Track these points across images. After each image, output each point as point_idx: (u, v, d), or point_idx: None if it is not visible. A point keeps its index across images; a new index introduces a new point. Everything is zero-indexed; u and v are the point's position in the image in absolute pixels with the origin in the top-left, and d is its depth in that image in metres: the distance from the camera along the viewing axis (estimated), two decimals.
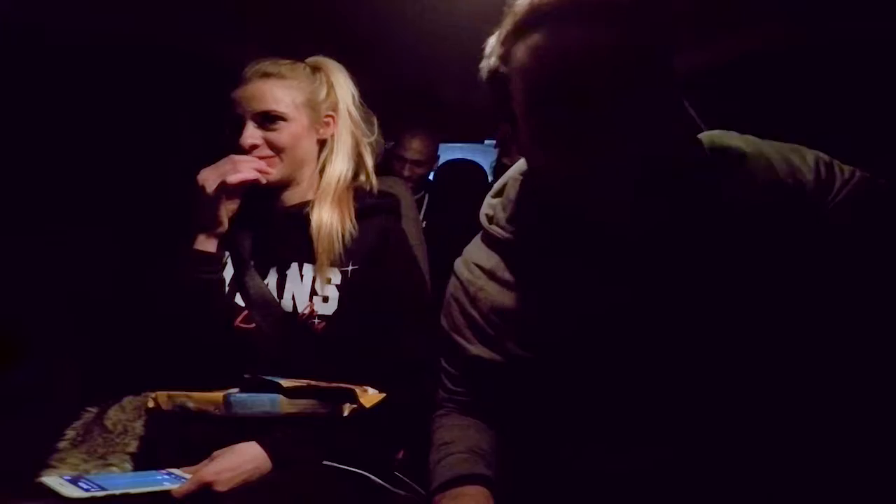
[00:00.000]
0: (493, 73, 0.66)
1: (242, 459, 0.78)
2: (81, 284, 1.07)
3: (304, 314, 0.96)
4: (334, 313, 0.96)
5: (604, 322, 0.67)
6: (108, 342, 0.98)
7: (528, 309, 0.73)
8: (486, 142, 3.13)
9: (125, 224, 1.08)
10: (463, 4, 1.32)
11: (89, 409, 0.88)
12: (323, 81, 1.05)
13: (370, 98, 1.11)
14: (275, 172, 0.98)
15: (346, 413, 0.82)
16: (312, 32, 1.42)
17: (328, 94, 1.05)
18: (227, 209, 0.96)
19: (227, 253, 1.00)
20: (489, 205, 0.84)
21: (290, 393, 0.83)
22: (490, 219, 0.82)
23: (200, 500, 0.74)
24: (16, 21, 1.00)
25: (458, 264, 0.86)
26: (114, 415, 0.85)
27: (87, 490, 0.68)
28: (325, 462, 0.82)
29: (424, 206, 2.21)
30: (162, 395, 0.86)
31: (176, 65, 1.38)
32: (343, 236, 0.97)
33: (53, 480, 0.70)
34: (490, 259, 0.79)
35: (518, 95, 0.63)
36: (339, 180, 1.03)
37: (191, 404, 0.85)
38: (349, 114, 1.06)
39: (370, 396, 0.84)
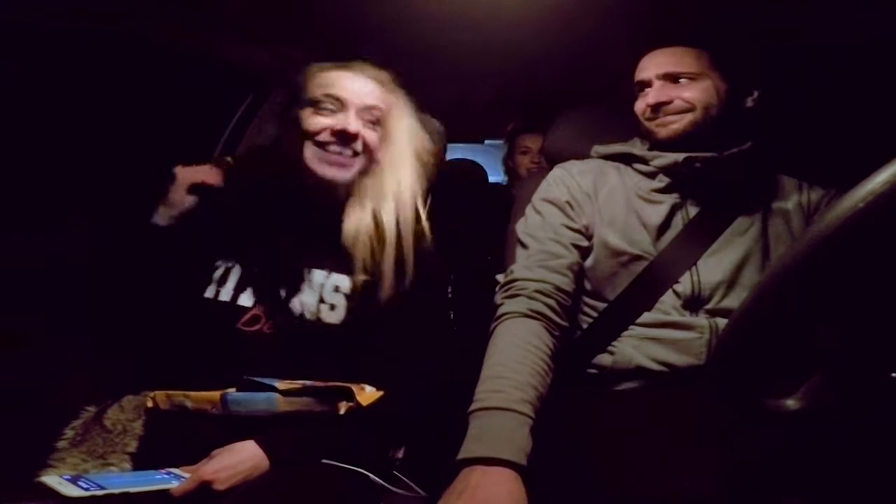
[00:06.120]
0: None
1: (240, 458, 0.78)
2: (80, 282, 1.07)
3: (309, 321, 0.94)
4: (340, 322, 0.94)
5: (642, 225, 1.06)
6: (107, 340, 0.97)
7: (606, 201, 1.07)
8: (487, 142, 3.13)
9: (122, 220, 1.08)
10: (463, 5, 1.32)
11: (88, 408, 0.87)
12: (399, 100, 1.05)
13: None
14: (351, 172, 0.97)
15: (342, 411, 0.82)
16: (312, 32, 1.42)
17: (393, 112, 1.04)
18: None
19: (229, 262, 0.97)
20: (594, 149, 1.20)
21: (286, 393, 0.82)
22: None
23: (199, 498, 0.74)
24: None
25: (555, 169, 1.16)
26: (113, 414, 0.86)
27: (86, 489, 0.68)
28: (323, 460, 0.82)
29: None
30: (160, 395, 0.87)
31: (178, 64, 1.39)
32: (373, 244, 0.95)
33: (53, 480, 0.70)
34: (587, 164, 1.15)
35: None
36: (386, 193, 1.01)
37: (189, 403, 0.85)
38: (408, 133, 1.05)
39: (367, 394, 0.84)
